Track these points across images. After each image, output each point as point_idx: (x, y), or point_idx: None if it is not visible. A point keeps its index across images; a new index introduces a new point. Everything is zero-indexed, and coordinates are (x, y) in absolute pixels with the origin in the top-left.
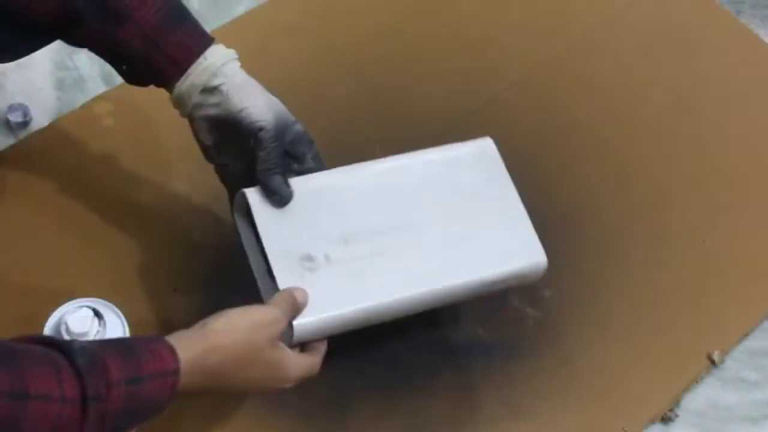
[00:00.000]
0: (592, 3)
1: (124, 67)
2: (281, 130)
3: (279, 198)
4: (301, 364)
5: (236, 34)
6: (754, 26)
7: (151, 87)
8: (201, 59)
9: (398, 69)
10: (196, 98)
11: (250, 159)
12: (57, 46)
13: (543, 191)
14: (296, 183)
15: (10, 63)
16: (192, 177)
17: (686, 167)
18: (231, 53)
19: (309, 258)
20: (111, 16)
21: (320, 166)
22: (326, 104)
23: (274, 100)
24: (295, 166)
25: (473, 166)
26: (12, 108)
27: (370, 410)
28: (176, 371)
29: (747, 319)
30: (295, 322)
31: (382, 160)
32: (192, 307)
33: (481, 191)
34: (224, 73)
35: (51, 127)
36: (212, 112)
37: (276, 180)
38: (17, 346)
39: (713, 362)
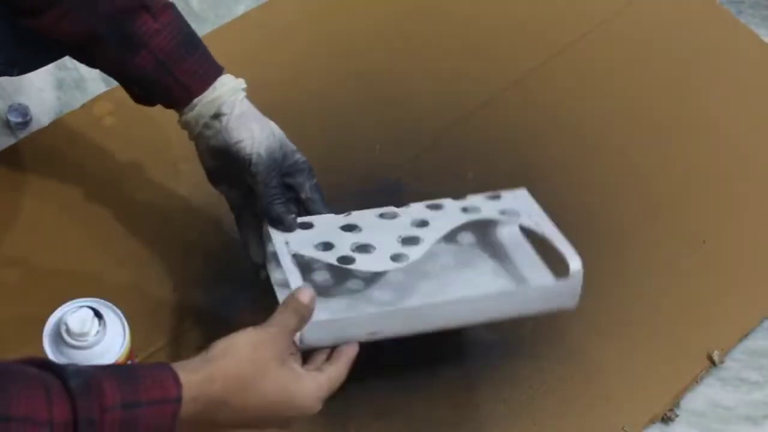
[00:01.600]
0: (592, 3)
1: (134, 88)
2: (277, 160)
3: (282, 227)
4: (320, 383)
5: (236, 34)
6: (754, 26)
7: None
8: (210, 90)
9: (398, 68)
10: (200, 127)
11: (246, 187)
12: None
13: (542, 191)
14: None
15: None
16: (192, 177)
17: (686, 167)
18: (239, 84)
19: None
20: (128, 43)
21: (319, 196)
22: (326, 104)
23: (274, 130)
24: (296, 195)
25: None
26: (12, 108)
27: (370, 410)
28: (178, 398)
29: (747, 319)
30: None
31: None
32: (192, 307)
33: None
34: (228, 104)
35: (51, 127)
36: (212, 142)
37: (276, 209)
38: (8, 367)
39: (713, 362)
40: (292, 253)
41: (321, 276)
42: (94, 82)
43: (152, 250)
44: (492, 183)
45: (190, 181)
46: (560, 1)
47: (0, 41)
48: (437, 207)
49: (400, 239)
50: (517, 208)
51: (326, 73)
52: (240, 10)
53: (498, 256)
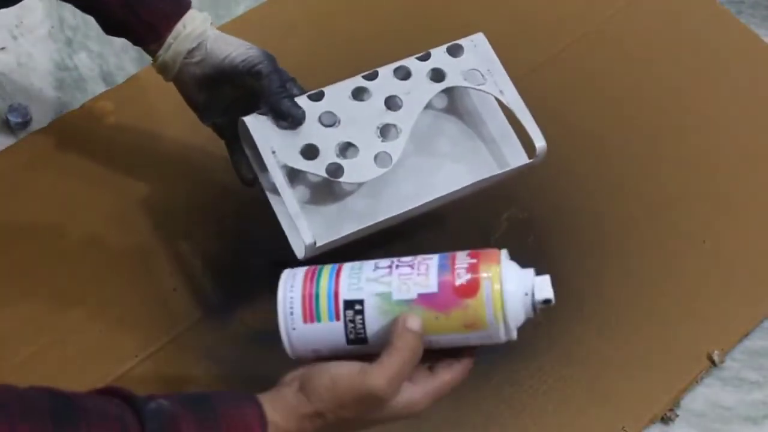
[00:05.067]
0: (592, 3)
1: (102, 21)
2: (272, 59)
3: (293, 119)
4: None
5: (236, 34)
6: (754, 26)
7: (152, 88)
8: (180, 27)
9: None
10: (181, 63)
11: (240, 105)
12: (57, 47)
13: (542, 191)
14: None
15: (10, 62)
16: (193, 177)
17: (686, 167)
18: (206, 17)
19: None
20: None
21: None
22: None
23: (251, 44)
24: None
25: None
26: (12, 108)
27: None
28: None
29: (747, 319)
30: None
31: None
32: (192, 306)
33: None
34: (202, 35)
35: (51, 127)
36: (198, 71)
37: (286, 103)
38: (87, 403)
39: (713, 362)
40: (281, 164)
41: (310, 177)
42: (94, 82)
43: (152, 249)
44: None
45: (191, 181)
46: (560, 1)
47: None
48: (405, 75)
49: (378, 131)
50: (481, 67)
51: (326, 73)
52: (240, 10)
53: (470, 123)
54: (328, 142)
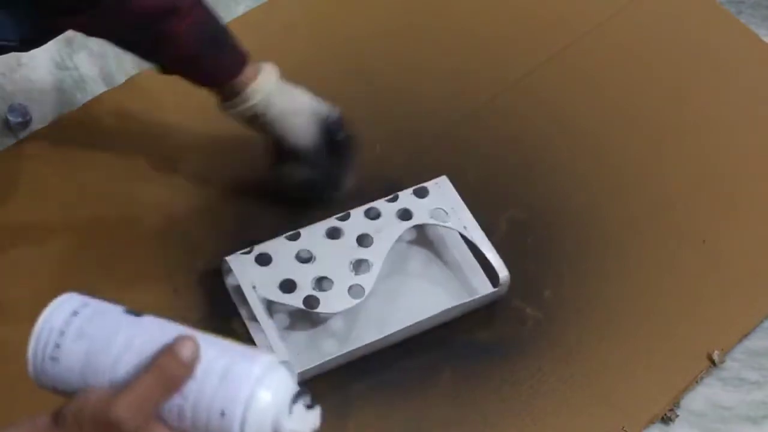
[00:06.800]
0: (592, 3)
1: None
2: (318, 143)
3: (334, 198)
4: None
5: (236, 34)
6: (754, 26)
7: (152, 89)
8: (249, 91)
9: (398, 69)
10: (243, 124)
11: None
12: (57, 47)
13: (543, 191)
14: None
15: (10, 62)
16: (192, 177)
17: (686, 167)
18: (272, 81)
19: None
20: (154, 43)
21: (349, 137)
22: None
23: (311, 106)
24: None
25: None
26: (12, 108)
27: (370, 410)
28: None
29: (747, 319)
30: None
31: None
32: (192, 307)
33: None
34: (266, 103)
35: (51, 127)
36: (265, 129)
37: (319, 195)
38: None
39: (713, 362)
40: (261, 297)
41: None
42: (94, 82)
43: (152, 249)
44: (493, 182)
45: (190, 181)
46: (560, 1)
47: (19, 20)
48: (376, 215)
49: (351, 266)
50: (445, 206)
51: (326, 73)
52: (240, 10)
53: (436, 254)
54: (304, 276)
